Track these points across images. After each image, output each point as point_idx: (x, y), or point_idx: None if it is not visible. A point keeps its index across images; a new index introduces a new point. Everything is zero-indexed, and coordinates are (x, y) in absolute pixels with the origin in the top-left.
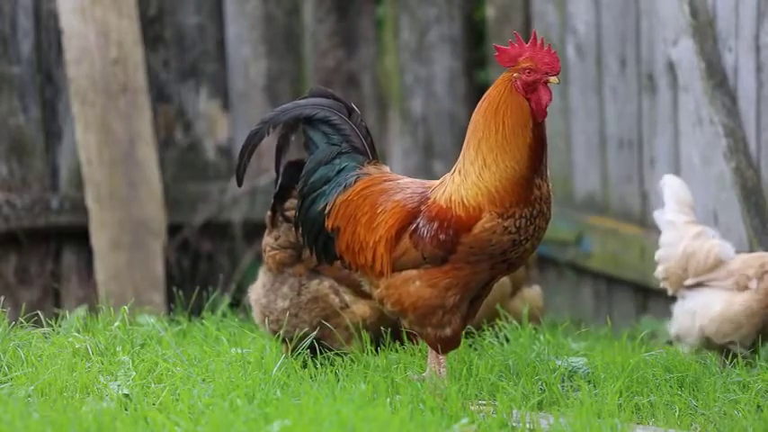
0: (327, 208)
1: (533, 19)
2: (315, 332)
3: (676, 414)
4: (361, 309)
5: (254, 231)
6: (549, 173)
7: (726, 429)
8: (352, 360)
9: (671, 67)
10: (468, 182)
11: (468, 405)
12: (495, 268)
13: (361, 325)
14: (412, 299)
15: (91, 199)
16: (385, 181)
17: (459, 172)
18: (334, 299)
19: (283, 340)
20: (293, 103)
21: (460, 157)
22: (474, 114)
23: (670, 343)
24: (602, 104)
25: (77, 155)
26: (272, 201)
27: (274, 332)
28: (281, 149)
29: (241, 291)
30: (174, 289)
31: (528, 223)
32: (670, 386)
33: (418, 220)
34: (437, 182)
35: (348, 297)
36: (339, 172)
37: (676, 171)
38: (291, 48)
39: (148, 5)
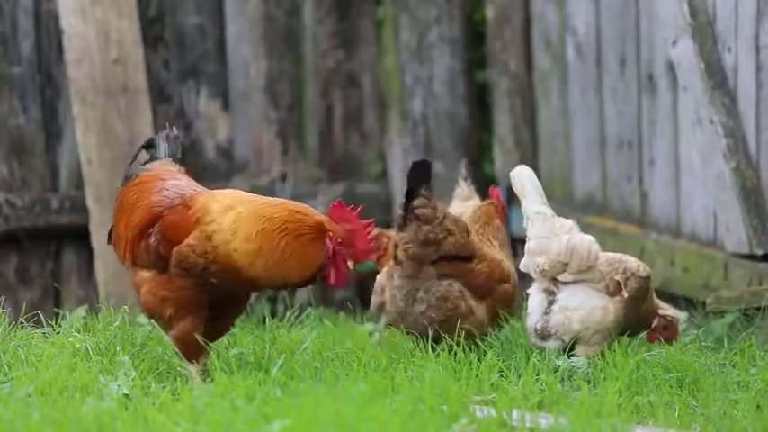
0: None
1: (533, 19)
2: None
3: (676, 414)
4: (481, 312)
5: None
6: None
7: (725, 429)
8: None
9: (671, 68)
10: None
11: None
12: (205, 288)
13: (480, 330)
14: (143, 298)
15: (91, 199)
16: (157, 179)
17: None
18: (461, 303)
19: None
20: None
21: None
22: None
23: (669, 342)
24: (601, 104)
25: (77, 155)
26: (404, 201)
27: (410, 333)
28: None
29: None
30: None
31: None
32: (670, 386)
33: (156, 225)
34: (200, 191)
35: (472, 302)
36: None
37: (676, 171)
38: (291, 48)
39: (148, 6)
